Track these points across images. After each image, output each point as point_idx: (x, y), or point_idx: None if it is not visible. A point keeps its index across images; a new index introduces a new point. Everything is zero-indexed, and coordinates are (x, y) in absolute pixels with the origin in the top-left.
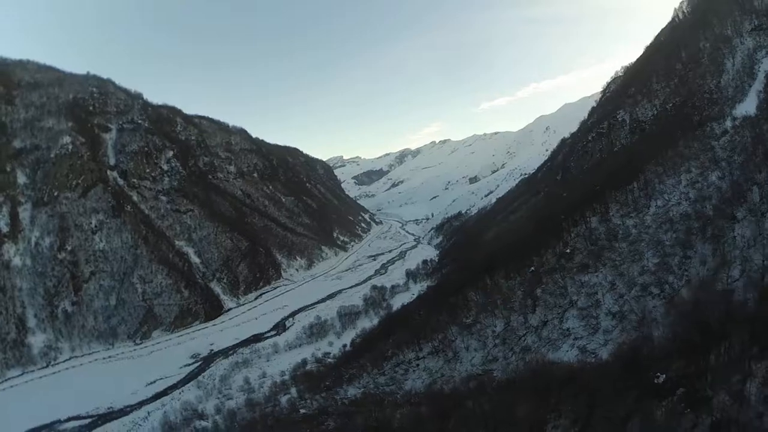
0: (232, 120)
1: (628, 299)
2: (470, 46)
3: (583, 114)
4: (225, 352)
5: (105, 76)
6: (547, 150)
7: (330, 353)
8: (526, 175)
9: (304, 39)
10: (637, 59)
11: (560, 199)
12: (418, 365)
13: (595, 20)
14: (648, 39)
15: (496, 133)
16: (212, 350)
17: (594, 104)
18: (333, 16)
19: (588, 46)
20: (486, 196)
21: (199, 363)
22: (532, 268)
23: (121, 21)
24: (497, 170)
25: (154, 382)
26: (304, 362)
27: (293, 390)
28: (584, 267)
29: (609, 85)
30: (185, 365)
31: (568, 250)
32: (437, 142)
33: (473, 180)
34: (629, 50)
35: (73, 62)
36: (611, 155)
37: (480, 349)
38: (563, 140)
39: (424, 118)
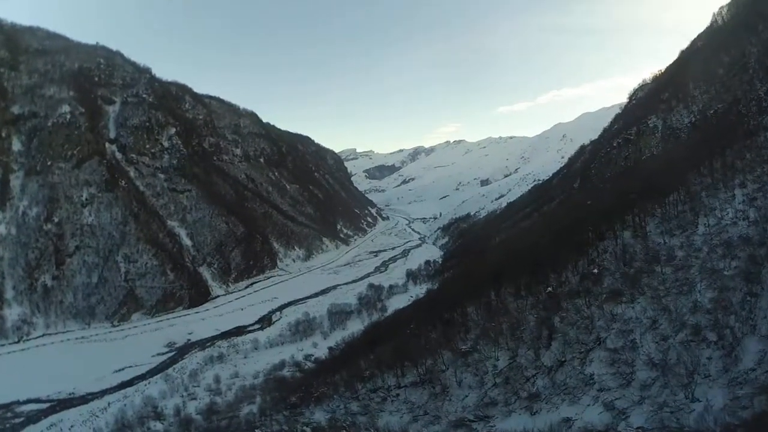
0: (247, 105)
1: (674, 344)
2: (493, 50)
3: (602, 124)
4: (202, 344)
5: (115, 48)
6: (563, 157)
7: (312, 355)
8: (540, 181)
9: (328, 30)
10: (672, 64)
11: (582, 208)
12: (398, 395)
13: (626, 34)
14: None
15: (511, 137)
16: (189, 340)
17: (617, 113)
18: (357, 11)
19: (616, 59)
20: (497, 199)
21: (173, 353)
22: (549, 288)
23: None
24: (510, 174)
25: (123, 369)
26: (282, 364)
27: (258, 400)
28: (616, 294)
29: (636, 92)
30: (158, 354)
31: (595, 270)
32: (451, 141)
33: (485, 182)
34: (657, 65)
35: (84, 34)
36: (640, 163)
37: (476, 387)
38: (582, 147)
39: (441, 118)
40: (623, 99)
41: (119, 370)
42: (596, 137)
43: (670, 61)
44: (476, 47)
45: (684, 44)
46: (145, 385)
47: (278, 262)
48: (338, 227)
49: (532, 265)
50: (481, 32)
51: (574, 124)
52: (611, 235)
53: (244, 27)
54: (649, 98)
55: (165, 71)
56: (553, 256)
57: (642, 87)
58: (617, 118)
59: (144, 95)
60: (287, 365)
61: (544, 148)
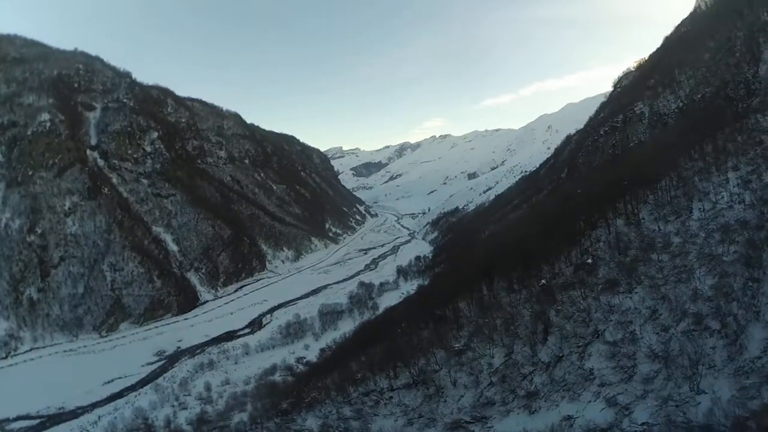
0: (230, 106)
1: (675, 334)
2: (476, 43)
3: (587, 114)
4: (192, 351)
5: (94, 53)
6: (549, 148)
7: (304, 358)
8: (527, 173)
9: (311, 29)
10: (656, 50)
11: (571, 197)
12: (391, 398)
13: (609, 25)
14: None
15: (497, 130)
16: (179, 348)
17: (601, 102)
18: (340, 8)
19: (597, 50)
20: (485, 192)
21: (163, 362)
22: (543, 281)
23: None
24: (497, 167)
25: (112, 381)
26: (274, 369)
27: (249, 408)
28: (612, 285)
29: (621, 80)
30: (148, 363)
31: (589, 260)
32: (437, 136)
33: (472, 176)
34: (637, 56)
35: (68, 39)
36: (627, 151)
37: (471, 386)
38: (569, 137)
39: (426, 113)
40: (606, 89)
41: (109, 382)
42: (581, 127)
43: (654, 49)
44: (459, 41)
45: (667, 32)
46: (135, 396)
47: (267, 263)
48: (327, 226)
49: (524, 257)
50: (463, 26)
51: (558, 115)
52: (603, 223)
53: (226, 27)
54: (635, 85)
55: (147, 73)
56: (545, 247)
57: (626, 75)
58: (603, 107)
59: (125, 100)
60: (279, 369)
61: (530, 140)
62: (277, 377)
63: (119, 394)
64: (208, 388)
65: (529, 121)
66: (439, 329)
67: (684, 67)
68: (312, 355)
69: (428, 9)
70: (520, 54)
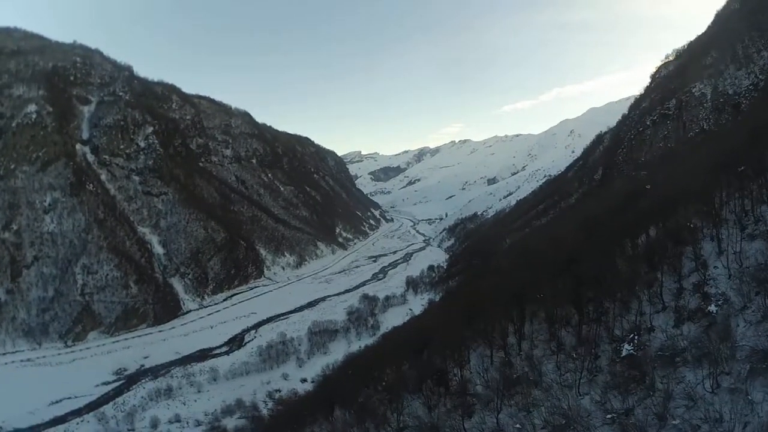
0: (251, 111)
1: None
2: (495, 48)
3: (611, 118)
4: (156, 371)
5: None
6: (573, 152)
7: (279, 391)
8: (551, 177)
9: (329, 31)
10: (706, 30)
11: (631, 199)
12: None
13: (627, 28)
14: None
15: (517, 135)
16: (143, 366)
17: (635, 97)
18: (359, 11)
19: (617, 54)
20: (505, 197)
21: (120, 382)
22: (629, 346)
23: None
24: (518, 172)
25: (60, 401)
26: (238, 405)
27: None
28: None
29: (659, 69)
30: (104, 383)
31: (712, 309)
32: (457, 141)
33: (492, 181)
34: (658, 59)
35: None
36: (688, 142)
37: None
38: (599, 135)
39: (445, 118)
40: (628, 94)
41: (56, 402)
42: (607, 130)
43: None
44: (478, 46)
45: (679, 39)
46: (77, 423)
47: (265, 270)
48: (337, 231)
49: (574, 286)
50: (482, 31)
51: (581, 119)
52: (704, 235)
53: (247, 30)
54: (685, 67)
55: (161, 75)
56: (608, 272)
57: (665, 65)
58: (644, 96)
59: (120, 93)
60: (241, 408)
61: (552, 145)
62: (234, 421)
63: (62, 419)
64: (154, 424)
65: (550, 126)
66: (434, 404)
67: (752, 40)
68: (290, 387)
69: (445, 13)
70: (538, 59)
